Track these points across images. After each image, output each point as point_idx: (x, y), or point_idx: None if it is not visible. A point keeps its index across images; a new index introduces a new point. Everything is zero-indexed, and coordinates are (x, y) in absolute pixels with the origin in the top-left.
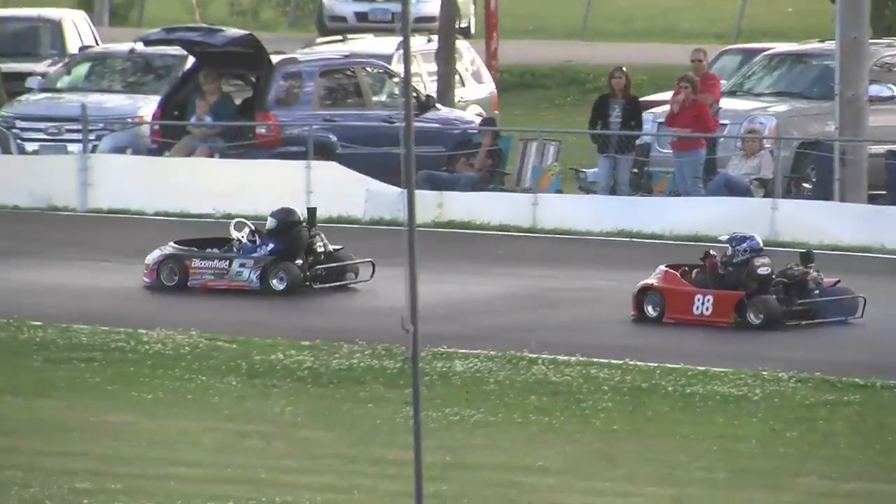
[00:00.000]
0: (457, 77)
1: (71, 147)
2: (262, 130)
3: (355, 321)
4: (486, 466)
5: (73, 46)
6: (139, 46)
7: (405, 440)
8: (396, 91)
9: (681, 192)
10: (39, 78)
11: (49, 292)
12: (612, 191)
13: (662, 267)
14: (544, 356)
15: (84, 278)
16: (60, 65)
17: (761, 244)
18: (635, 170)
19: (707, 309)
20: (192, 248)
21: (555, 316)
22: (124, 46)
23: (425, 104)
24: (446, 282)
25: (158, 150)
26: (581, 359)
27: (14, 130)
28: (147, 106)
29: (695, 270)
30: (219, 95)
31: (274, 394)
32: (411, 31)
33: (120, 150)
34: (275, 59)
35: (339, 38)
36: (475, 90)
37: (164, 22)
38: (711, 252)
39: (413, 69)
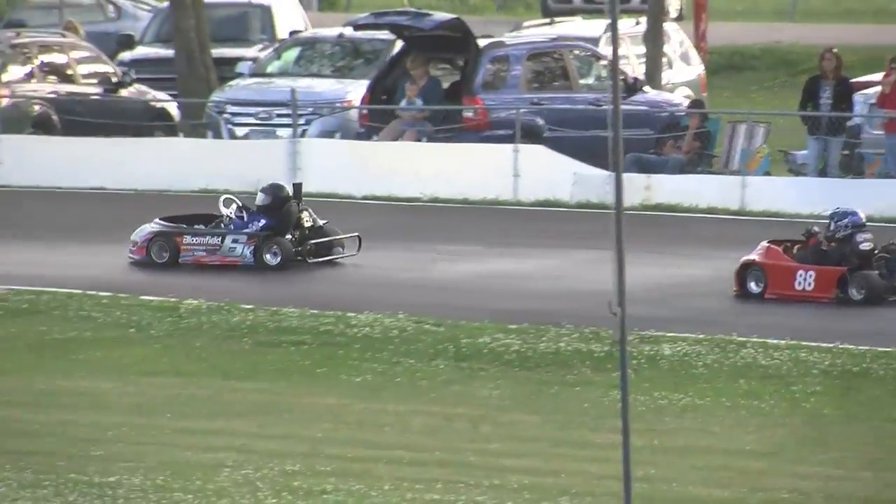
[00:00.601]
0: (665, 59)
1: (280, 132)
2: (470, 114)
3: (562, 304)
4: (694, 450)
5: (282, 31)
6: (348, 31)
7: (613, 424)
8: (604, 74)
9: (892, 175)
10: (250, 63)
11: (259, 276)
12: (822, 173)
13: (765, 243)
14: (753, 339)
15: (293, 262)
16: (270, 50)
17: (864, 219)
18: (846, 152)
19: (809, 284)
20: (179, 224)
21: (763, 299)
22: (333, 31)
23: (633, 87)
24: (654, 265)
25: (367, 134)
26: (791, 342)
27: (225, 115)
28: (355, 90)
29: (796, 246)
30: (427, 79)
31: (481, 377)
32: (621, 12)
33: (328, 134)
34: (482, 42)
35: (547, 21)
36: (683, 72)
37: (373, 6)
38: (815, 229)
39: (621, 52)
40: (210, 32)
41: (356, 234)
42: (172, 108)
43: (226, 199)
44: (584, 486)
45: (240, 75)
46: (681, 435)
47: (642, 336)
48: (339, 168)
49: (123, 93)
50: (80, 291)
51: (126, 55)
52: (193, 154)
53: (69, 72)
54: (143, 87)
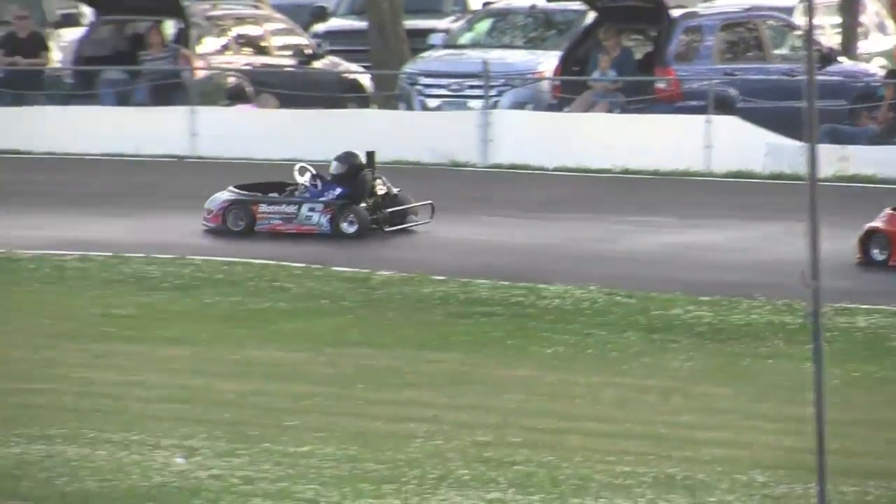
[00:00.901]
0: (860, 29)
1: (472, 103)
2: (662, 85)
3: (754, 276)
4: (890, 424)
5: (475, 3)
6: (541, 2)
7: (805, 396)
8: (798, 44)
9: None
10: (442, 34)
11: (451, 247)
12: None
13: (888, 209)
14: None
15: (484, 233)
16: (463, 21)
17: None
18: None
19: None
20: (255, 193)
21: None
22: (526, 2)
23: (828, 57)
24: (848, 236)
25: (558, 105)
26: None
27: (417, 87)
28: (547, 61)
29: None
30: (620, 50)
31: (672, 349)
32: None
33: (520, 105)
34: (675, 13)
35: None
36: (879, 42)
37: None
38: None
39: (816, 21)
40: (403, 4)
41: (429, 201)
42: (365, 80)
43: (300, 167)
44: (777, 460)
45: (432, 47)
46: (876, 408)
47: (836, 308)
48: (531, 139)
49: (317, 65)
50: (273, 262)
51: (320, 27)
52: (385, 125)
53: (263, 44)
54: (336, 59)
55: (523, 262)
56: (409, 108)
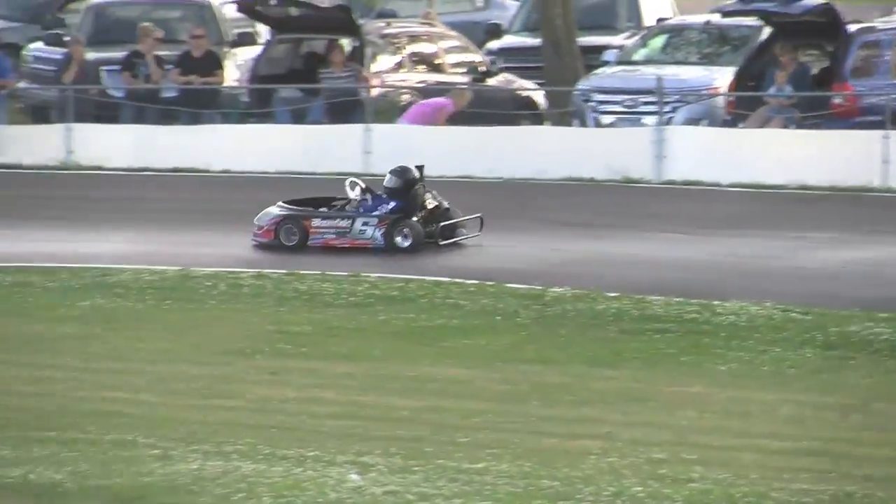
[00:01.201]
0: None
1: (646, 119)
2: (839, 100)
3: None
4: None
5: (649, 19)
6: (715, 18)
7: None
8: None
9: None
10: (616, 51)
11: (625, 263)
12: None
13: None
14: None
15: (658, 250)
16: (637, 37)
17: None
18: None
19: None
20: (304, 207)
21: None
22: (700, 18)
23: None
24: None
25: (732, 121)
26: None
27: (591, 103)
28: (722, 77)
29: None
30: (796, 66)
31: (850, 366)
32: None
33: (694, 121)
34: (852, 28)
35: None
36: None
37: None
38: None
39: None
40: (577, 20)
41: (479, 215)
42: (539, 97)
43: (351, 181)
44: None
45: (606, 63)
46: None
47: None
48: (705, 155)
49: (490, 82)
50: (447, 279)
51: (494, 44)
52: (559, 142)
53: (437, 61)
54: (510, 76)
55: (697, 278)
56: (583, 124)
